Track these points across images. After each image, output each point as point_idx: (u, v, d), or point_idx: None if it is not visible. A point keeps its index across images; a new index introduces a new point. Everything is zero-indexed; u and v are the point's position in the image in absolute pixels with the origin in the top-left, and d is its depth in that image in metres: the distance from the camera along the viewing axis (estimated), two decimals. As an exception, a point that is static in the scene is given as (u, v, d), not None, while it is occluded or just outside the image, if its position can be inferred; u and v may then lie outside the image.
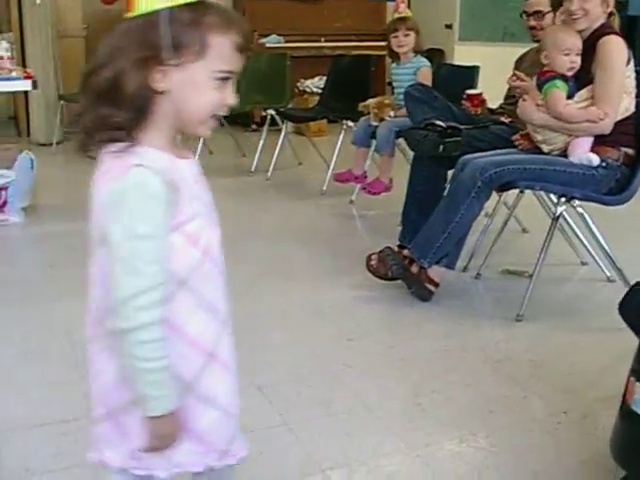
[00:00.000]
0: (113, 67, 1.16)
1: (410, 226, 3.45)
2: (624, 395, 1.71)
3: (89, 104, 1.21)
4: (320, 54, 7.63)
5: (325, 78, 6.25)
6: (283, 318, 3.07)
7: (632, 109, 3.07)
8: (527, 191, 3.55)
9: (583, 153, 3.02)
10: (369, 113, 4.59)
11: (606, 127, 2.99)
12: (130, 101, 1.17)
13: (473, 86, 4.33)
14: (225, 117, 6.50)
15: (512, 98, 3.67)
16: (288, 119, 5.87)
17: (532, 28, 3.68)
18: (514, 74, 3.50)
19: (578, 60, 3.00)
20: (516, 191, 3.53)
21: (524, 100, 3.17)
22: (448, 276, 3.29)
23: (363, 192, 4.62)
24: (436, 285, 3.18)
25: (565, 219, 3.32)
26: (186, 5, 1.15)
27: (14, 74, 4.72)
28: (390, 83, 4.93)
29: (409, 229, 3.45)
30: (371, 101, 4.62)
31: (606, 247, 3.18)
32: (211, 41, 1.16)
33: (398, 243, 3.43)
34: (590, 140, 3.04)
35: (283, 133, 5.76)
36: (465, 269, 3.56)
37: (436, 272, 3.17)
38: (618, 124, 3.02)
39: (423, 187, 3.51)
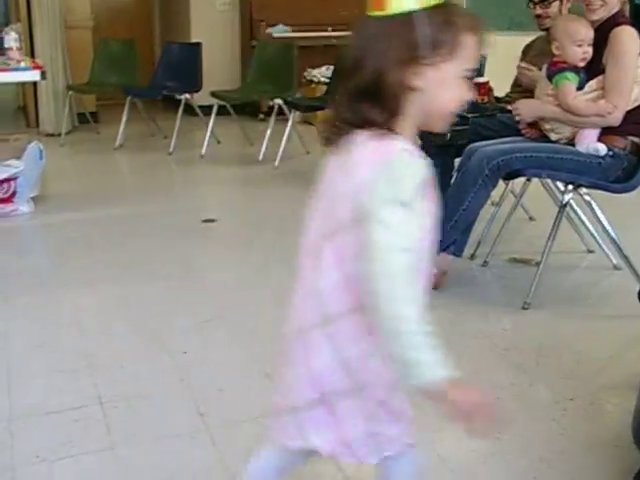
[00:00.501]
0: (373, 66, 1.21)
1: (417, 215, 3.45)
2: None
3: (346, 100, 1.25)
4: (327, 43, 7.60)
5: (332, 67, 6.24)
6: (279, 309, 3.07)
7: None
8: (534, 179, 3.56)
9: (590, 142, 3.02)
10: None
11: (615, 120, 2.98)
12: (388, 98, 1.21)
13: (480, 74, 4.31)
14: (233, 106, 6.52)
15: (519, 87, 3.66)
16: (295, 108, 5.87)
17: (538, 16, 3.66)
18: (521, 64, 3.51)
19: (590, 50, 2.99)
20: (523, 179, 3.54)
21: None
22: (455, 264, 3.29)
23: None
24: (444, 272, 3.19)
25: (572, 207, 3.31)
26: (438, 6, 1.20)
27: (23, 64, 4.74)
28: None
29: (416, 217, 3.45)
30: (378, 90, 4.60)
31: (613, 235, 3.18)
32: (462, 41, 1.21)
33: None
34: (598, 130, 3.04)
35: (290, 122, 5.76)
36: (472, 257, 3.57)
37: (443, 260, 3.17)
38: (626, 114, 3.01)
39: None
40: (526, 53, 3.77)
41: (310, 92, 7.37)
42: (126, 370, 2.52)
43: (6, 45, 4.78)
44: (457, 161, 3.41)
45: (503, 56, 4.22)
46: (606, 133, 3.03)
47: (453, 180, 3.23)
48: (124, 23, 8.78)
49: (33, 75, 4.74)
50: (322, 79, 7.36)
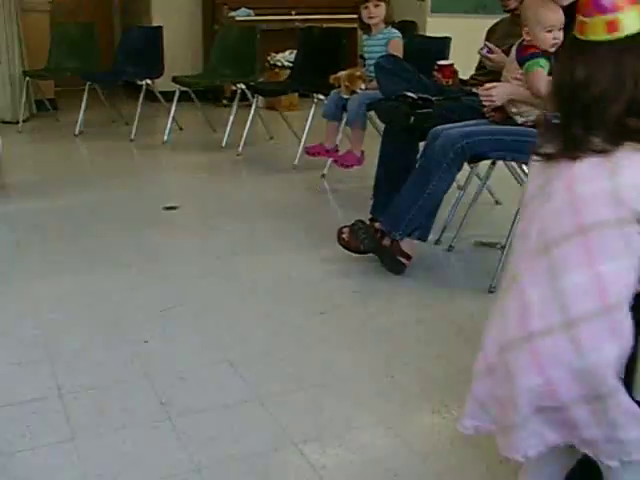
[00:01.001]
0: (626, 93, 1.34)
1: (382, 199, 3.43)
2: None
3: (613, 116, 1.34)
4: (291, 27, 7.54)
5: (296, 51, 6.19)
6: (255, 293, 3.04)
7: None
8: (500, 163, 3.54)
9: (555, 124, 3.00)
10: (340, 86, 4.55)
11: None
12: None
13: (444, 57, 4.29)
14: (195, 92, 6.44)
15: (483, 69, 3.64)
16: (258, 93, 5.82)
17: (503, -1, 3.64)
18: (485, 45, 3.48)
19: (561, 35, 2.95)
20: (488, 163, 3.52)
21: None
22: (420, 248, 3.27)
23: (335, 165, 4.59)
24: (408, 258, 3.17)
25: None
26: None
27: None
28: (362, 56, 4.88)
29: (381, 202, 3.43)
30: (342, 74, 4.57)
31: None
32: None
33: (370, 216, 3.41)
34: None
35: (254, 108, 5.70)
36: (438, 242, 3.55)
37: (408, 245, 3.16)
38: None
39: (394, 159, 3.49)
40: (490, 36, 3.75)
41: (274, 77, 7.31)
42: (86, 360, 2.47)
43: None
44: (421, 145, 3.38)
45: (468, 38, 4.22)
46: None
47: (417, 164, 3.20)
48: (83, 6, 8.64)
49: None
50: (286, 63, 7.30)
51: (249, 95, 5.82)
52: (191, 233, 3.91)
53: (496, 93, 3.06)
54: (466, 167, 3.39)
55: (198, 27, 8.15)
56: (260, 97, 6.00)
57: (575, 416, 1.34)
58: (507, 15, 3.62)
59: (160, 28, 6.52)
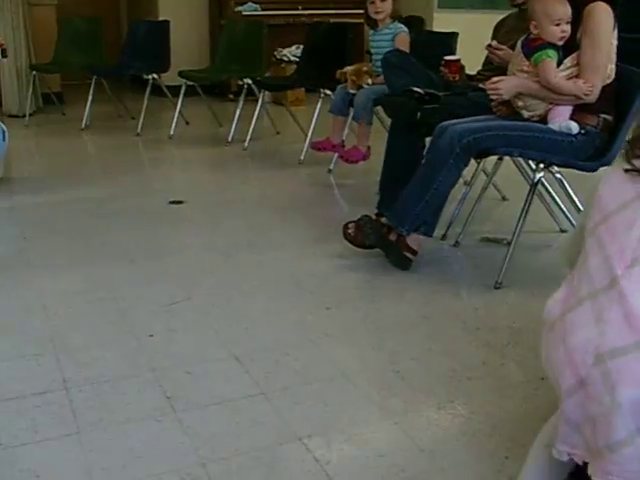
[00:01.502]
0: None
1: (388, 194, 3.42)
2: None
3: None
4: (297, 22, 7.54)
5: (302, 46, 6.18)
6: (261, 288, 3.04)
7: (613, 76, 3.03)
8: (506, 159, 3.54)
9: (563, 121, 2.99)
10: (347, 81, 4.54)
11: (592, 98, 2.96)
12: None
13: (451, 53, 4.28)
14: (201, 87, 6.43)
15: (490, 65, 3.63)
16: (265, 88, 5.81)
17: (510, -8, 3.63)
18: (489, 44, 3.47)
19: (569, 29, 2.94)
20: (495, 158, 3.51)
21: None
22: (426, 244, 3.27)
23: (341, 160, 4.58)
24: (414, 253, 3.16)
25: (544, 186, 3.30)
26: None
27: (-18, 42, 4.63)
28: (369, 52, 4.87)
29: (387, 197, 3.42)
30: (349, 68, 4.57)
31: (584, 214, 3.16)
32: None
33: (376, 211, 3.40)
34: (570, 108, 3.01)
35: (260, 102, 5.69)
36: (444, 237, 3.55)
37: (414, 240, 3.15)
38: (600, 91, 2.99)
39: (401, 155, 3.48)
40: (498, 31, 3.73)
41: (280, 72, 7.31)
42: (92, 354, 2.47)
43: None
44: (428, 140, 3.37)
45: (475, 34, 4.21)
46: (578, 111, 3.01)
47: (423, 159, 3.19)
48: (89, 0, 8.62)
49: (-7, 52, 4.64)
50: (292, 58, 7.30)
51: (255, 90, 5.81)
52: (197, 227, 3.91)
53: (503, 86, 3.05)
54: (473, 163, 3.39)
55: (205, 22, 8.15)
56: (266, 92, 5.98)
57: None
58: (514, 10, 3.61)
59: (167, 22, 6.51)
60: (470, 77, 3.85)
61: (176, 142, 5.88)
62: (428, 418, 2.13)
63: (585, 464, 1.42)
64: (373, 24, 4.52)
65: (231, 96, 7.52)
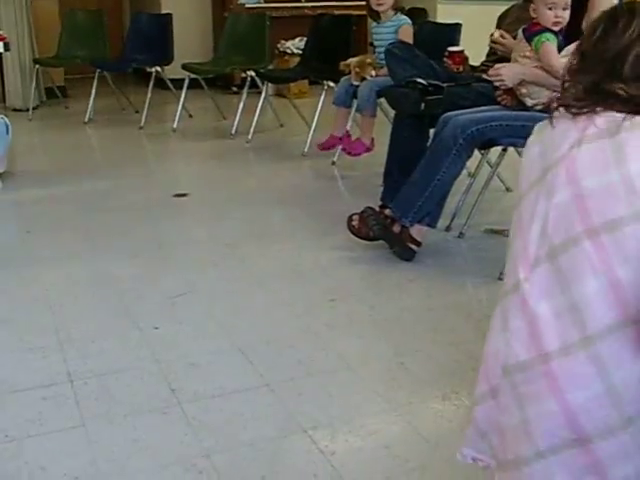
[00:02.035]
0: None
1: (392, 186, 3.42)
2: None
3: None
4: (300, 14, 7.52)
5: (306, 39, 6.17)
6: (265, 280, 3.04)
7: None
8: (511, 150, 3.52)
9: (567, 109, 2.98)
10: (350, 73, 4.53)
11: None
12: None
13: (455, 44, 4.27)
14: (205, 79, 6.42)
15: (494, 55, 3.61)
16: (268, 80, 5.80)
17: (515, -17, 3.62)
18: (496, 32, 3.46)
19: (565, 15, 2.94)
20: (499, 149, 3.50)
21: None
22: (431, 235, 3.26)
23: (344, 153, 4.57)
24: (418, 244, 3.16)
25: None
26: None
27: (-16, 36, 4.63)
28: (372, 44, 4.86)
29: (391, 189, 3.41)
30: (352, 60, 4.55)
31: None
32: None
33: (380, 203, 3.40)
34: (573, 96, 3.00)
35: (263, 95, 5.68)
36: (448, 228, 3.54)
37: (418, 231, 3.15)
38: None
39: (405, 146, 3.47)
40: (502, 21, 3.72)
41: (283, 64, 7.29)
42: (96, 346, 2.47)
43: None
44: (432, 131, 3.36)
45: (479, 25, 4.20)
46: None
47: (428, 150, 3.18)
48: (92, -6, 8.61)
49: (-4, 46, 4.63)
50: (296, 51, 7.28)
51: (259, 82, 5.80)
52: (201, 220, 3.91)
53: (505, 72, 3.05)
54: (477, 153, 3.38)
55: (208, 14, 8.13)
56: (270, 84, 5.97)
57: (601, 452, 1.15)
58: (518, 1, 3.59)
59: (170, 15, 6.50)
60: (474, 68, 3.84)
61: (179, 135, 5.87)
62: (433, 409, 2.13)
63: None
64: (376, 16, 4.51)
65: (234, 89, 7.51)
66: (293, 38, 7.52)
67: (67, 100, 7.15)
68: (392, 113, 3.80)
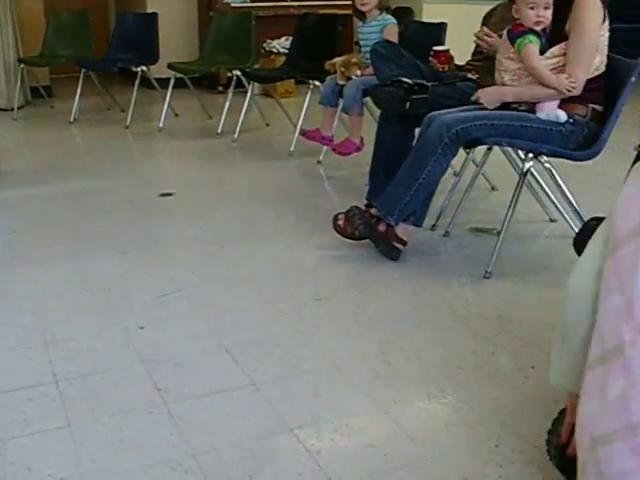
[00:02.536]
0: None
1: (377, 185, 3.43)
2: None
3: None
4: (286, 13, 7.52)
5: (291, 38, 6.17)
6: (251, 279, 3.04)
7: (603, 68, 3.03)
8: (496, 149, 3.54)
9: (551, 109, 3.00)
10: (336, 72, 4.53)
11: (576, 92, 2.96)
12: None
13: (440, 43, 4.27)
14: (191, 79, 6.41)
15: (480, 54, 3.63)
16: (254, 80, 5.79)
17: (500, -18, 3.63)
18: (481, 30, 3.47)
19: (546, 14, 2.95)
20: (484, 148, 3.51)
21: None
22: (416, 234, 3.28)
23: (334, 153, 4.57)
24: (404, 243, 3.17)
25: (533, 175, 3.30)
26: None
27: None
28: (358, 43, 4.86)
29: (376, 188, 3.42)
30: (338, 59, 4.56)
31: (574, 203, 3.18)
32: None
33: (366, 202, 3.41)
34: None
35: (249, 94, 5.68)
36: (434, 227, 3.55)
37: (404, 230, 3.15)
38: (588, 82, 2.98)
39: (390, 145, 3.48)
40: (487, 20, 3.73)
41: (269, 63, 7.30)
42: (81, 346, 2.46)
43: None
44: (418, 131, 3.37)
45: (465, 24, 4.21)
46: (567, 101, 3.02)
47: (413, 149, 3.19)
48: (77, -7, 8.58)
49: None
50: (282, 50, 7.29)
51: (245, 82, 5.79)
52: (187, 219, 3.90)
53: (483, 95, 3.09)
54: (462, 152, 3.39)
55: (194, 13, 8.12)
56: (256, 84, 5.97)
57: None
58: (504, 0, 3.61)
59: (155, 14, 6.48)
60: (459, 67, 3.86)
61: (165, 134, 5.86)
62: (418, 408, 2.14)
63: None
64: (361, 16, 4.51)
65: (220, 88, 7.51)
66: (279, 37, 7.52)
67: (52, 100, 7.12)
68: (378, 112, 3.81)
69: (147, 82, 6.44)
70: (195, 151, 5.48)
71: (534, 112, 3.04)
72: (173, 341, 2.51)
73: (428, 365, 2.35)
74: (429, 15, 6.91)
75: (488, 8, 3.82)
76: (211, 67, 6.37)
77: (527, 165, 3.05)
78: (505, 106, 3.10)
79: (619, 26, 4.37)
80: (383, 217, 3.12)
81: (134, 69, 6.35)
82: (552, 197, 3.55)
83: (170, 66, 6.03)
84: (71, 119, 6.21)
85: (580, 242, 1.80)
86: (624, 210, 1.14)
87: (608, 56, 3.06)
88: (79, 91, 6.26)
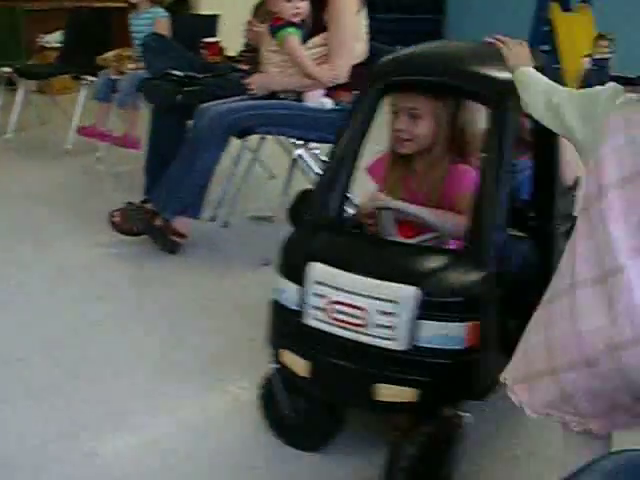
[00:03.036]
0: None
1: (153, 179, 3.38)
2: None
3: None
4: (59, 7, 7.22)
5: (65, 32, 5.94)
6: (26, 282, 2.92)
7: (364, 54, 3.15)
8: (270, 137, 3.60)
9: (317, 98, 3.10)
10: (109, 66, 4.43)
11: (340, 80, 3.06)
12: None
13: (212, 35, 4.30)
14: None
15: (250, 46, 3.68)
16: (24, 77, 5.51)
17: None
18: (249, 22, 3.52)
19: (303, 5, 3.03)
20: (258, 137, 3.56)
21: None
22: (196, 226, 3.26)
23: (113, 147, 4.46)
24: (182, 236, 3.16)
25: (306, 162, 3.39)
26: None
27: None
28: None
29: (153, 182, 3.38)
30: (110, 54, 4.46)
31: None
32: None
33: (144, 197, 3.36)
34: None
35: (22, 92, 5.41)
36: (213, 218, 3.53)
37: (182, 223, 3.14)
38: (352, 69, 3.09)
39: (164, 139, 3.45)
40: (257, 12, 3.78)
41: (44, 59, 6.97)
42: None
43: None
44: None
45: (238, 15, 4.24)
46: (333, 88, 3.12)
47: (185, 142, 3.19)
48: None
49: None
50: (56, 45, 6.99)
51: (16, 79, 5.51)
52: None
53: (254, 82, 3.14)
54: (238, 142, 3.41)
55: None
56: (30, 81, 5.69)
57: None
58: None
59: None
60: (231, 58, 3.90)
61: None
62: (198, 400, 2.17)
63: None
64: (133, 7, 4.44)
65: (-8, 87, 7.09)
66: (53, 32, 7.22)
67: None
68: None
69: None
70: (-35, 153, 5.15)
71: (302, 101, 3.12)
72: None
73: (209, 356, 2.37)
74: (207, 7, 6.90)
75: (260, -1, 3.87)
76: (-23, 65, 5.99)
77: (296, 152, 3.13)
78: (274, 96, 3.16)
79: (384, 16, 4.56)
80: (159, 212, 3.09)
81: None
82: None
83: None
84: None
85: (293, 211, 2.13)
86: (615, 160, 1.32)
87: (371, 45, 3.18)
88: None
